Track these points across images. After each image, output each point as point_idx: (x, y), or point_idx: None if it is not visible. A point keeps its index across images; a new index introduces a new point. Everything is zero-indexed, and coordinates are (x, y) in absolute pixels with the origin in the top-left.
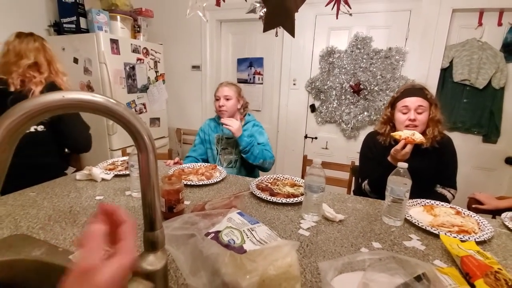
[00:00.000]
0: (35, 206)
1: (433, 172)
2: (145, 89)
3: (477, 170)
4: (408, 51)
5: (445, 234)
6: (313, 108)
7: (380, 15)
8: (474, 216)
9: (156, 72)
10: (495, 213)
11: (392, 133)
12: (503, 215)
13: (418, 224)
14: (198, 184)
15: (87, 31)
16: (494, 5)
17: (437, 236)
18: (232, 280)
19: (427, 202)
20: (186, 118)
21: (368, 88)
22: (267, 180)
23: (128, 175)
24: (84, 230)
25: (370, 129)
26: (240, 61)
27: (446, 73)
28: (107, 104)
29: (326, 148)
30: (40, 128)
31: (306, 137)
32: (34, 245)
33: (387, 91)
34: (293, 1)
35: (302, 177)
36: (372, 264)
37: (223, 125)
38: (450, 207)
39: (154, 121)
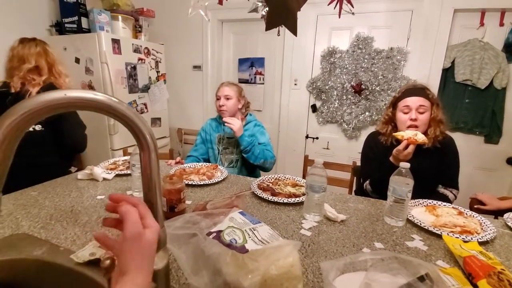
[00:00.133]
0: (37, 205)
1: (435, 172)
2: (146, 89)
3: (478, 171)
4: (409, 51)
5: (448, 234)
6: (314, 108)
7: (382, 15)
8: (476, 217)
9: (157, 72)
10: (497, 213)
11: (394, 133)
12: (506, 215)
13: (420, 224)
14: (199, 183)
15: (88, 31)
16: (495, 5)
17: (439, 236)
18: (233, 279)
19: (429, 203)
20: (187, 118)
21: (370, 88)
22: (268, 180)
23: (129, 174)
24: (120, 207)
25: (371, 129)
26: (241, 61)
27: (448, 73)
28: (109, 103)
29: (327, 148)
30: (38, 127)
31: (307, 137)
32: (35, 245)
33: (389, 91)
34: (296, 0)
35: (303, 177)
36: (374, 264)
37: (225, 124)
38: (453, 207)
39: (155, 121)
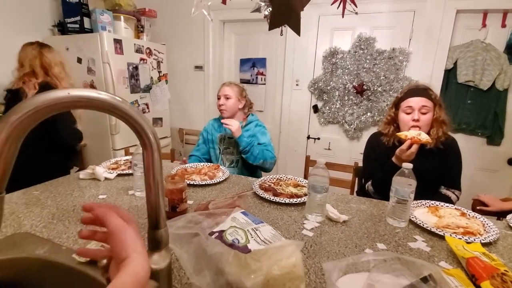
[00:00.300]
0: (39, 204)
1: (437, 173)
2: (148, 89)
3: (480, 172)
4: (411, 51)
5: (450, 235)
6: (316, 108)
7: (384, 16)
8: (479, 218)
9: (159, 72)
10: (499, 215)
11: (397, 133)
12: (509, 216)
13: (423, 225)
14: (201, 184)
15: (91, 31)
16: (497, 6)
17: (442, 237)
18: (236, 279)
19: (432, 203)
20: (189, 118)
21: (372, 89)
22: (270, 180)
23: (131, 174)
24: (99, 212)
25: (373, 130)
26: (243, 62)
27: (450, 74)
28: (112, 102)
29: (329, 149)
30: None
31: (308, 137)
32: (37, 244)
33: (391, 92)
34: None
35: (305, 177)
36: (377, 265)
37: (223, 125)
38: (455, 208)
39: (157, 121)
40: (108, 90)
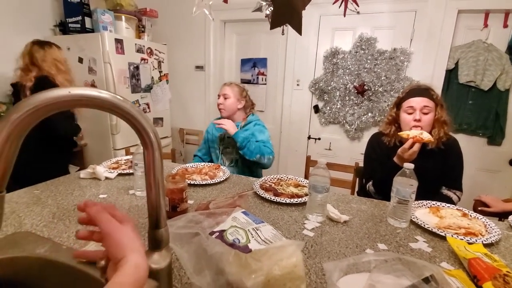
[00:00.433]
0: (39, 203)
1: (438, 173)
2: (148, 89)
3: (481, 172)
4: (413, 52)
5: (452, 236)
6: (316, 108)
7: (385, 16)
8: (481, 218)
9: (160, 72)
10: (501, 215)
11: (399, 133)
12: (510, 217)
13: (424, 225)
14: (201, 183)
15: (92, 31)
16: (499, 6)
17: (443, 238)
18: (236, 279)
19: (433, 204)
20: (189, 118)
21: (372, 89)
22: (270, 180)
23: (131, 174)
24: (94, 211)
25: (374, 130)
26: (244, 62)
27: (451, 74)
28: (113, 100)
29: (330, 149)
30: None
31: (309, 137)
32: (38, 243)
33: (392, 92)
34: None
35: (305, 177)
36: (378, 266)
37: (216, 126)
38: (457, 209)
39: (157, 121)
40: (109, 89)
